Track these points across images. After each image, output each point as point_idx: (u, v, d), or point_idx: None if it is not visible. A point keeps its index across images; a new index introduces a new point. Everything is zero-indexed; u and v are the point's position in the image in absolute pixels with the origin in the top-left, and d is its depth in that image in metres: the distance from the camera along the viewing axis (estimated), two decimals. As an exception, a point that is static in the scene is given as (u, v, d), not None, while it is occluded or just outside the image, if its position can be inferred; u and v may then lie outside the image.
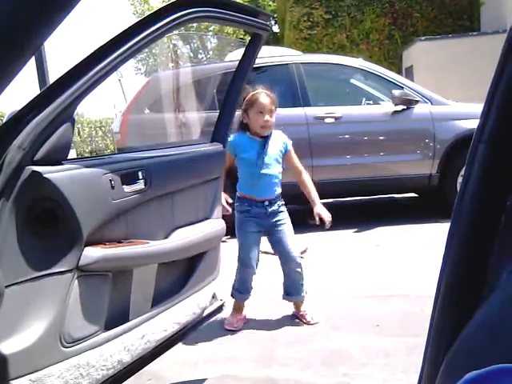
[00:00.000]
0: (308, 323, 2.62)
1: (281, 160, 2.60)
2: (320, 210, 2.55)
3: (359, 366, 2.13)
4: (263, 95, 2.50)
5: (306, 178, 2.64)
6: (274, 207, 2.56)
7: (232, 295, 2.65)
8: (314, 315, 2.66)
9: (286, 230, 2.59)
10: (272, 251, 2.71)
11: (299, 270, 2.61)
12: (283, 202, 2.62)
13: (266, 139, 2.55)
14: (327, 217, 2.53)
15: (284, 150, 2.61)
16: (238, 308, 2.68)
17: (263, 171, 2.52)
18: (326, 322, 2.63)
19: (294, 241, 2.63)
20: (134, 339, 1.65)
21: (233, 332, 2.59)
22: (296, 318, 2.68)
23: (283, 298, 2.69)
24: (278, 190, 2.59)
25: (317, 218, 2.53)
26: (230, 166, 2.53)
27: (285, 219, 2.60)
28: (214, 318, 2.22)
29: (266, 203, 2.55)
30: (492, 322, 0.62)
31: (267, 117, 2.49)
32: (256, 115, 2.50)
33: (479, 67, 8.63)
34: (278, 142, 2.60)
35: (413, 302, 2.74)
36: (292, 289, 2.65)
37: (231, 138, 2.46)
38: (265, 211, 2.54)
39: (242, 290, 2.64)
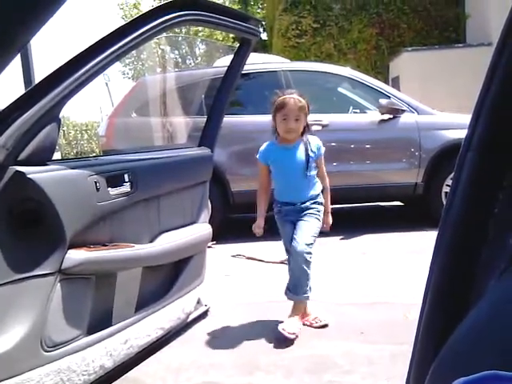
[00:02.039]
0: (311, 325, 2.60)
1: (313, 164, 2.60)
2: (328, 220, 2.69)
3: (343, 373, 2.12)
4: (291, 100, 2.47)
5: (327, 186, 2.69)
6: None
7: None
8: (319, 317, 2.64)
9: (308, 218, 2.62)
10: (258, 257, 2.70)
11: (303, 264, 2.54)
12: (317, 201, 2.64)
13: (296, 145, 2.57)
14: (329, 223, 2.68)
15: (317, 154, 2.60)
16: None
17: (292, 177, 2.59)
18: (310, 329, 2.62)
19: (313, 231, 2.61)
20: (117, 344, 1.63)
21: (216, 338, 2.57)
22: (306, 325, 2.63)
23: (285, 294, 2.64)
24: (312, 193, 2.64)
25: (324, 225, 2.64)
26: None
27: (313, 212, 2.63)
28: (198, 324, 2.20)
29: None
30: (479, 328, 0.61)
31: (291, 124, 2.47)
32: (281, 121, 2.49)
33: (464, 78, 8.77)
34: (313, 146, 2.60)
35: (397, 310, 2.75)
36: (291, 284, 2.59)
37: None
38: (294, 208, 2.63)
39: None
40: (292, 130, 2.49)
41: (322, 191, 2.67)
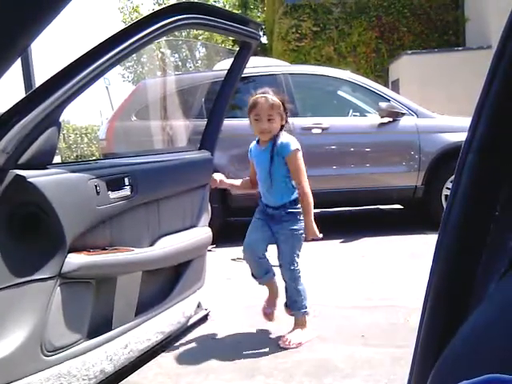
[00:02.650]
0: (284, 344, 2.46)
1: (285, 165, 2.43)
2: (307, 225, 2.41)
3: (344, 376, 2.12)
4: (263, 100, 2.36)
5: (301, 192, 2.44)
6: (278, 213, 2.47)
7: None
8: (293, 339, 2.47)
9: (285, 239, 2.47)
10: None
11: (292, 283, 2.49)
12: (290, 210, 2.46)
13: (267, 147, 2.44)
14: (311, 234, 2.41)
15: (284, 152, 2.41)
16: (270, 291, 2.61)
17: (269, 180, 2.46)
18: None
19: (294, 252, 2.48)
20: (117, 348, 1.62)
21: (216, 342, 2.56)
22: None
23: (284, 308, 2.61)
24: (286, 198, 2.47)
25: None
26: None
27: (288, 229, 2.46)
28: (198, 328, 2.20)
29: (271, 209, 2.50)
30: (480, 332, 0.61)
31: (264, 124, 2.36)
32: (253, 121, 2.40)
33: (464, 81, 8.79)
34: (279, 144, 2.42)
35: (398, 313, 2.74)
36: (288, 301, 2.56)
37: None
38: (273, 213, 2.49)
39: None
40: (265, 131, 2.38)
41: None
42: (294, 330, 2.54)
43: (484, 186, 0.71)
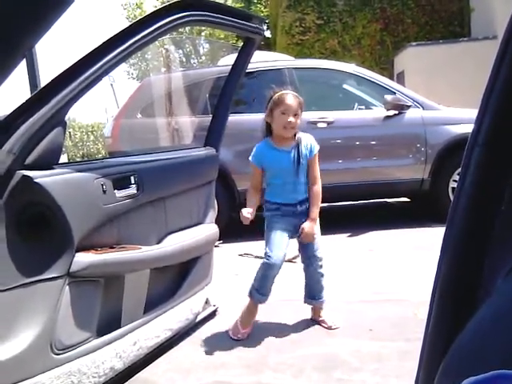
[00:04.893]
0: (330, 328, 2.60)
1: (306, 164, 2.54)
2: (306, 226, 2.49)
3: (352, 370, 2.12)
4: (290, 96, 2.44)
5: (316, 190, 2.57)
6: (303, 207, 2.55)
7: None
8: (334, 320, 2.63)
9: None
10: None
11: (320, 271, 2.62)
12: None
13: (292, 148, 2.51)
14: (307, 235, 2.49)
15: (309, 154, 2.53)
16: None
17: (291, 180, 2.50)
18: (319, 327, 2.62)
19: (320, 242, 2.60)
20: (126, 346, 1.63)
21: (225, 338, 2.57)
22: (316, 323, 2.66)
23: (304, 302, 2.67)
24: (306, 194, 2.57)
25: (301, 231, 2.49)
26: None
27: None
28: (207, 324, 2.21)
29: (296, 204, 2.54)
30: (487, 328, 0.61)
31: (291, 118, 2.42)
32: (280, 115, 2.44)
33: (470, 72, 8.71)
34: (305, 145, 2.53)
35: (406, 307, 2.74)
36: (313, 292, 2.64)
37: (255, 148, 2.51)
38: (293, 210, 2.53)
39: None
40: (290, 125, 2.43)
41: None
42: (323, 316, 2.66)
43: (490, 180, 0.70)
